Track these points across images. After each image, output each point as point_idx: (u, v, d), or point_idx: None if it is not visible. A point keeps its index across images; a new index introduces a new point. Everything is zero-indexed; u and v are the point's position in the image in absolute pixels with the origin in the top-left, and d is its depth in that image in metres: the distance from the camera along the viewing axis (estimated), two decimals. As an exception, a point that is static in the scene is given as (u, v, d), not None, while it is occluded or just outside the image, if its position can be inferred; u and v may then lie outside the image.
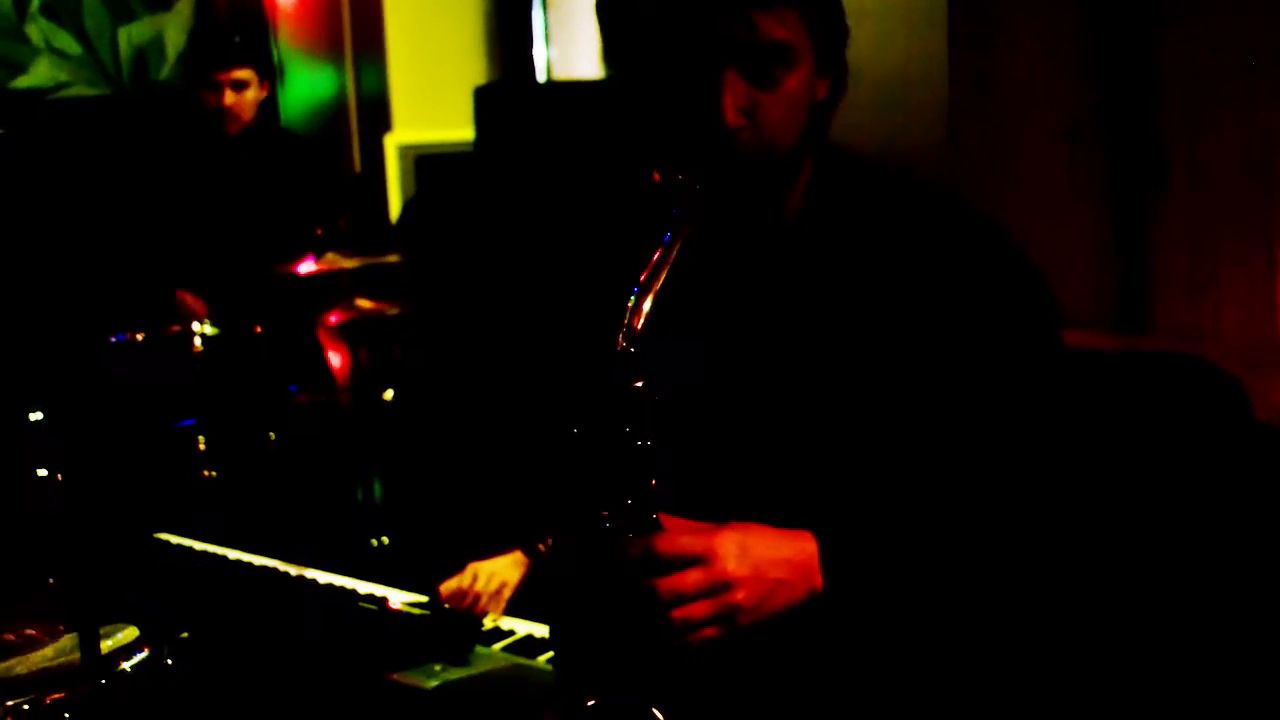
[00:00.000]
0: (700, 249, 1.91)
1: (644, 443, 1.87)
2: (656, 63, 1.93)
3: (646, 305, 1.83)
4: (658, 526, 1.86)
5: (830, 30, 1.98)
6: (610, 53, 2.04)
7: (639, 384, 1.85)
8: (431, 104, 7.04)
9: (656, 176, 1.95)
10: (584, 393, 2.11)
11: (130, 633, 2.82)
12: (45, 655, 2.81)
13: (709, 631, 1.83)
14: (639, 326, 1.83)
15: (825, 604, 1.88)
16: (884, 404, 1.97)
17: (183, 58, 7.25)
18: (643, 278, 1.84)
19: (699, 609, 1.82)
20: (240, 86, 5.78)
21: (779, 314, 2.04)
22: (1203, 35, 3.57)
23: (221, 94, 5.72)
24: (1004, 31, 3.93)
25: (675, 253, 1.85)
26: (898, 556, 1.91)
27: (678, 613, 1.82)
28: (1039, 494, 1.96)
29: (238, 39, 5.99)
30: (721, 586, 1.83)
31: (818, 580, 1.88)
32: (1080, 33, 3.79)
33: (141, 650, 2.79)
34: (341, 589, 3.48)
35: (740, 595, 1.84)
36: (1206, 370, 2.77)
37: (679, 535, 1.85)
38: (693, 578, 1.82)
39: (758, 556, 1.86)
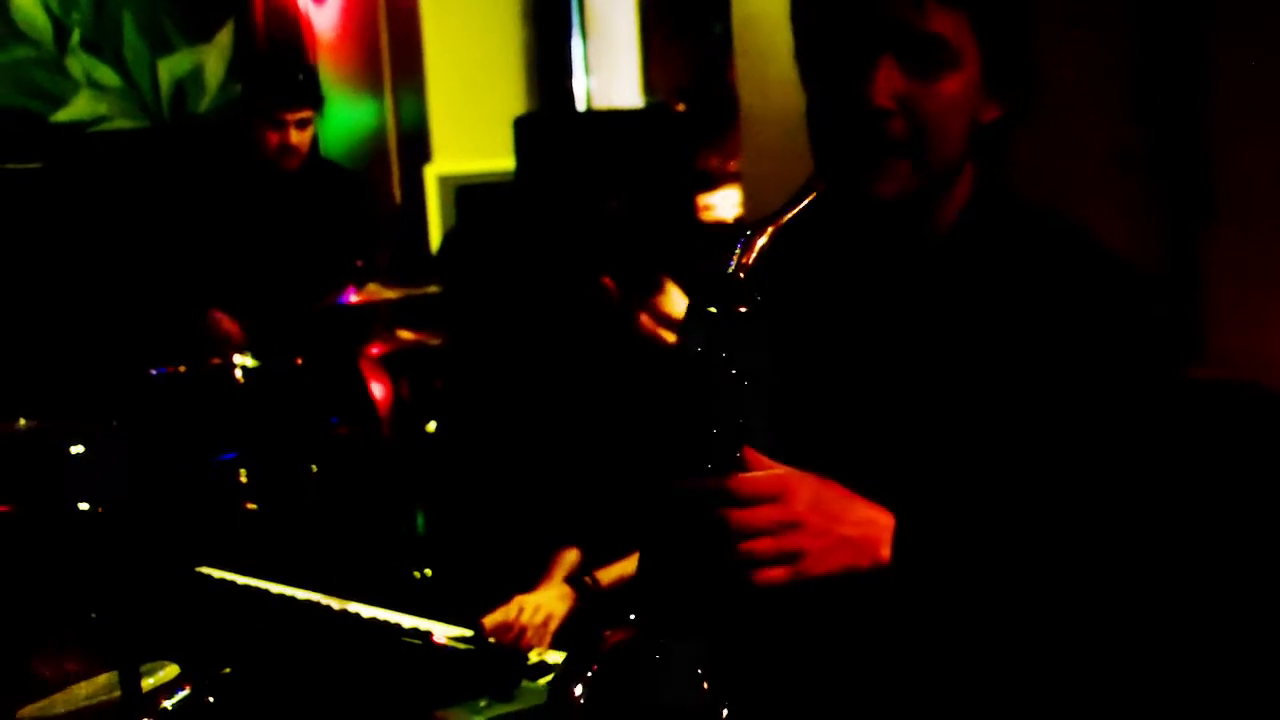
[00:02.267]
0: (847, 253, 1.99)
1: (740, 375, 1.86)
2: (824, 46, 1.97)
3: (761, 240, 1.85)
4: (741, 462, 1.85)
5: (1005, 51, 2.01)
6: (796, 39, 2.06)
7: (743, 309, 1.85)
8: (471, 134, 7.04)
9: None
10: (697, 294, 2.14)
11: (171, 670, 2.79)
12: (86, 693, 2.79)
13: (774, 572, 1.81)
14: (750, 260, 1.84)
15: (887, 579, 1.86)
16: (988, 414, 1.96)
17: (224, 89, 7.26)
18: (765, 219, 1.86)
19: (765, 544, 1.80)
20: (304, 125, 5.77)
21: (913, 324, 2.05)
22: (1251, 60, 3.52)
23: (286, 132, 5.70)
24: (1046, 60, 3.89)
25: (802, 206, 1.88)
26: (973, 552, 1.89)
27: (744, 545, 1.80)
28: (1133, 522, 1.94)
29: (301, 76, 5.98)
30: (790, 526, 1.81)
31: (886, 552, 1.85)
32: (1125, 59, 3.74)
33: (183, 688, 2.76)
34: (385, 623, 3.44)
35: (808, 539, 1.82)
36: (1265, 396, 2.71)
37: (757, 473, 1.84)
38: (764, 514, 1.81)
39: (831, 508, 1.85)
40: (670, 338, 3.41)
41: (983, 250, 2.05)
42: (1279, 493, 2.63)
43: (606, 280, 3.54)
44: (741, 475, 1.83)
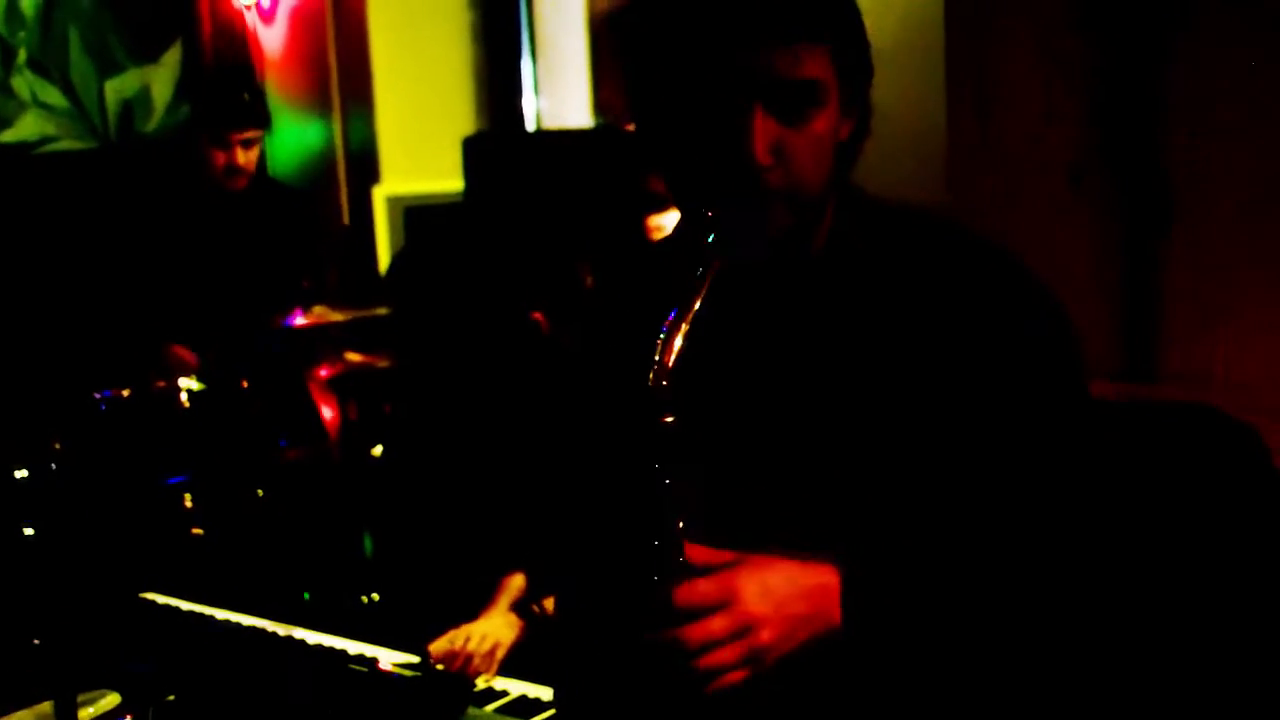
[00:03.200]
0: (726, 285, 1.89)
1: (673, 481, 1.83)
2: (686, 98, 1.90)
3: (678, 342, 1.81)
4: (685, 567, 1.82)
5: (856, 70, 1.96)
6: (638, 90, 2.00)
7: (669, 420, 1.82)
8: (420, 155, 7.01)
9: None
10: (588, 440, 2.16)
11: (112, 699, 2.76)
12: (26, 723, 2.75)
13: (737, 675, 1.80)
14: (670, 363, 1.80)
15: (841, 640, 1.86)
16: (906, 438, 1.94)
17: (171, 109, 7.22)
18: (673, 314, 1.82)
19: (726, 654, 1.79)
20: (250, 144, 5.73)
21: (802, 350, 2.02)
22: (1209, 75, 3.52)
23: (233, 153, 5.67)
24: (1003, 75, 3.89)
25: (706, 288, 1.83)
26: (916, 598, 1.89)
27: (705, 660, 1.79)
28: (1056, 535, 1.94)
29: (248, 96, 5.94)
30: (746, 629, 1.80)
31: (836, 615, 1.85)
32: (1082, 74, 3.74)
33: (124, 717, 2.72)
34: (331, 650, 3.42)
35: (765, 636, 1.81)
36: (1220, 420, 2.71)
37: (700, 582, 1.82)
38: (718, 623, 1.79)
39: (780, 594, 1.83)
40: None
41: (859, 260, 2.03)
42: (1231, 513, 2.62)
43: (536, 315, 3.54)
44: (686, 589, 1.81)
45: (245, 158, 5.70)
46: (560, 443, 2.33)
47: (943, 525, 1.92)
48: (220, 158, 5.66)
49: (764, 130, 1.85)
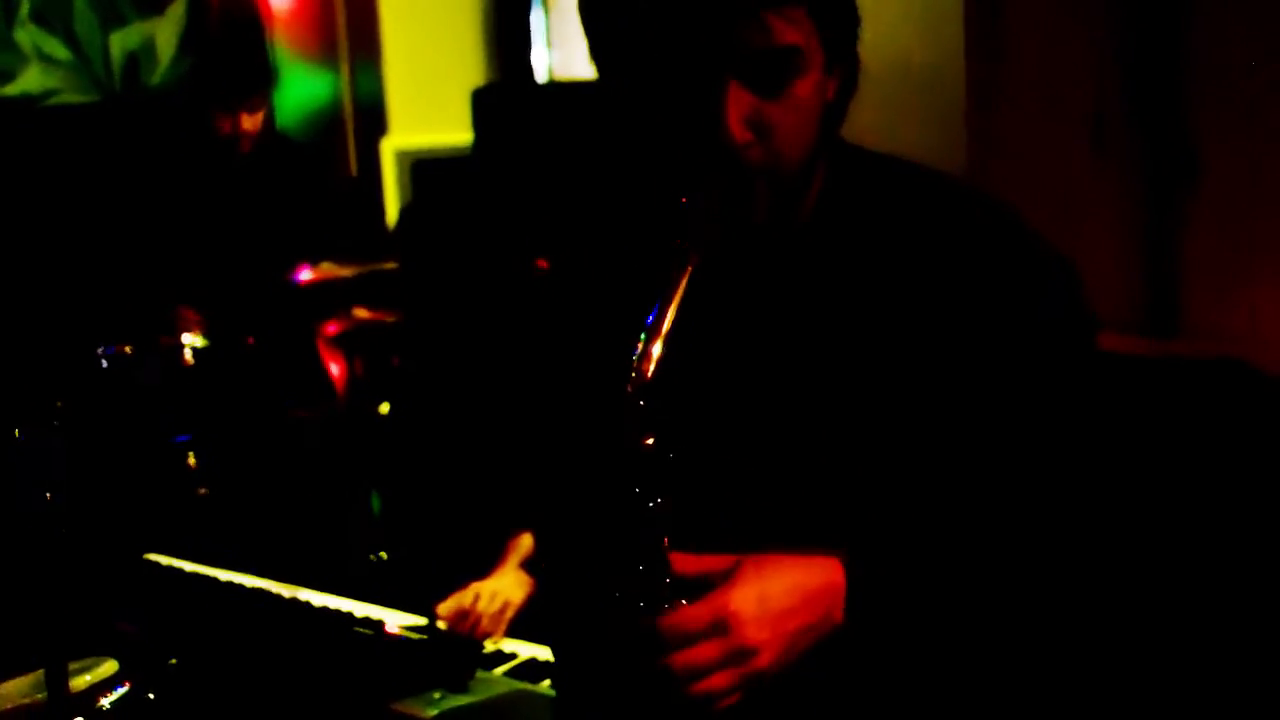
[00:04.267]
0: (711, 262, 1.78)
1: (657, 502, 1.73)
2: (652, 74, 1.79)
3: (656, 350, 1.69)
4: (674, 585, 1.73)
5: (839, 24, 1.84)
6: (603, 64, 1.90)
7: (650, 441, 1.71)
8: (429, 108, 6.96)
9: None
10: (585, 416, 2.01)
11: (110, 666, 2.70)
12: (20, 690, 2.69)
13: (732, 699, 1.71)
14: (649, 373, 1.69)
15: (845, 637, 1.77)
16: (908, 410, 1.85)
17: (176, 62, 7.17)
18: (650, 319, 1.70)
19: (719, 680, 1.69)
20: (255, 109, 5.68)
21: (795, 324, 1.91)
22: (1234, 20, 3.45)
23: (237, 118, 5.61)
24: (1022, 27, 3.83)
25: (683, 287, 1.71)
26: (922, 592, 1.80)
27: (698, 686, 1.69)
28: (1069, 505, 1.86)
29: (251, 62, 5.89)
30: (742, 654, 1.70)
31: (839, 613, 1.76)
32: (1102, 23, 3.68)
33: (122, 685, 2.66)
34: (337, 612, 3.38)
35: (763, 659, 1.71)
36: (1246, 373, 2.66)
37: (690, 609, 1.72)
38: (710, 650, 1.69)
39: (779, 607, 1.73)
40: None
41: (850, 222, 1.92)
42: (1264, 475, 2.57)
43: (541, 263, 3.49)
44: (677, 617, 1.71)
45: (251, 122, 5.65)
46: (537, 454, 2.25)
47: (949, 509, 1.83)
48: (226, 125, 5.61)
49: (737, 104, 1.73)
